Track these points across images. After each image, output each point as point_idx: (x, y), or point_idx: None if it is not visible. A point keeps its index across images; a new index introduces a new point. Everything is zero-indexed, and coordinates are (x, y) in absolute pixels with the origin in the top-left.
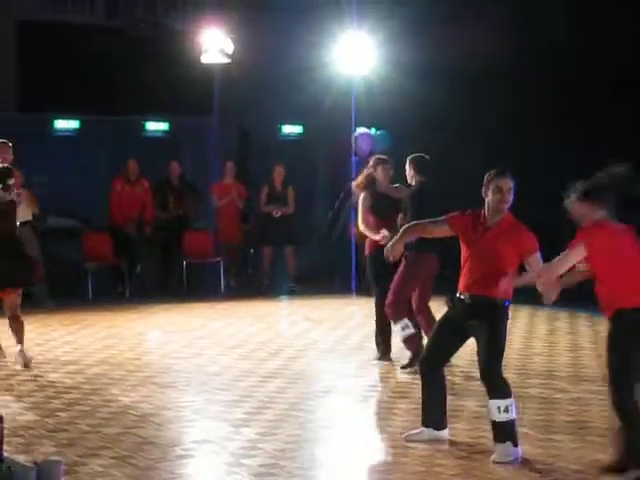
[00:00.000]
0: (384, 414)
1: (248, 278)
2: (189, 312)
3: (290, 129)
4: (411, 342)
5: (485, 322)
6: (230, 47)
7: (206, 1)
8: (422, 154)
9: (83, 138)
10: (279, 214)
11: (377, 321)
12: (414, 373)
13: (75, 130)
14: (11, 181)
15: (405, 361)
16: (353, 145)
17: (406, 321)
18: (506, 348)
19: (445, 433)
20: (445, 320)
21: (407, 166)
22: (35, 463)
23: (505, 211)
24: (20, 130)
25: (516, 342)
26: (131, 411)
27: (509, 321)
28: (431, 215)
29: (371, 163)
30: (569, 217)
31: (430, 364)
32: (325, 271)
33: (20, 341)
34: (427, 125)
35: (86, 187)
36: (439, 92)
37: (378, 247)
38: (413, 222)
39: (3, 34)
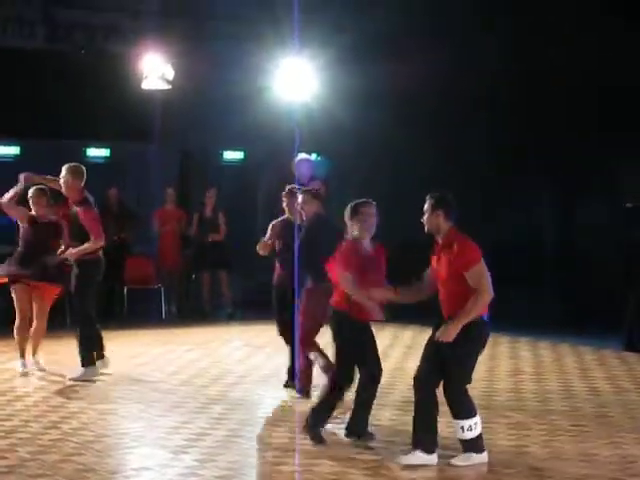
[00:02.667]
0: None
1: (189, 304)
2: (130, 339)
3: (231, 155)
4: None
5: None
6: (171, 73)
7: (146, 27)
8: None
9: (24, 164)
10: (211, 240)
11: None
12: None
13: (15, 156)
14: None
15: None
16: (294, 171)
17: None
18: None
19: (434, 457)
20: (431, 342)
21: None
22: None
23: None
24: None
25: None
26: (71, 438)
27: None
28: None
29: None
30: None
31: (423, 383)
32: (264, 297)
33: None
34: (366, 151)
35: None
36: (379, 118)
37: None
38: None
39: None
